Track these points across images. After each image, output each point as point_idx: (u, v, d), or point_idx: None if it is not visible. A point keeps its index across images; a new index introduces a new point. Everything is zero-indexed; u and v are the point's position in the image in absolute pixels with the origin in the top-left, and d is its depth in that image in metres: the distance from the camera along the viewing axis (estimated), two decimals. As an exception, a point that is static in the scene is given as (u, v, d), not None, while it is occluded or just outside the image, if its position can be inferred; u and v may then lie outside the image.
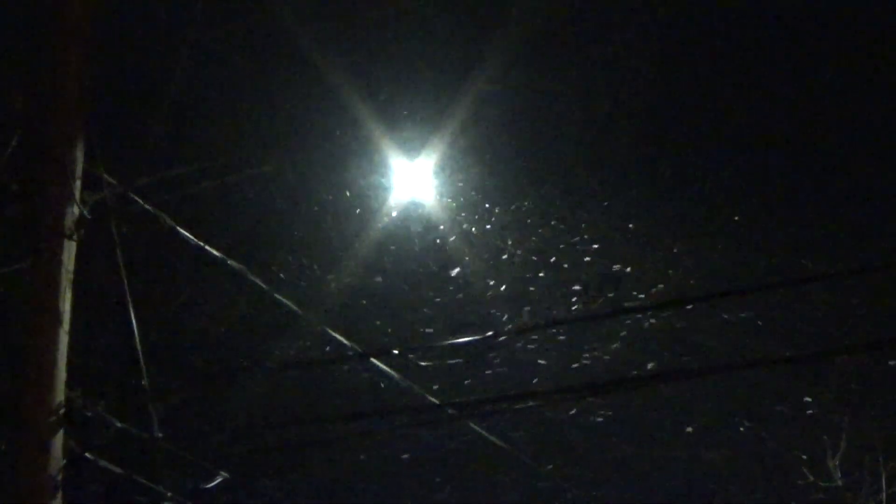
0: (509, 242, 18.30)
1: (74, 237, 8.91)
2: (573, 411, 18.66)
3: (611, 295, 18.52)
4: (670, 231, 18.68)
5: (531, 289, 18.43)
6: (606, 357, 18.62)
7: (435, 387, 16.80)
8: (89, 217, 9.00)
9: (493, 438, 17.20)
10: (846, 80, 18.33)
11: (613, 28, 17.91)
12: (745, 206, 18.73)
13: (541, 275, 18.47)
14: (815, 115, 18.29)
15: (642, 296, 18.47)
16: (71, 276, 8.88)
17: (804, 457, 18.59)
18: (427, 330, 17.90)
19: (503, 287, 18.30)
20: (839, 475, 18.13)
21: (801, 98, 18.26)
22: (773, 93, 18.36)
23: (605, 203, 18.63)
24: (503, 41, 17.17)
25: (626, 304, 18.46)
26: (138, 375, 9.46)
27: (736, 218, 18.73)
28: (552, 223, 18.44)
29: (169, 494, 10.11)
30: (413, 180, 16.71)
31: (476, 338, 18.23)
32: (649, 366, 18.47)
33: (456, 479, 19.19)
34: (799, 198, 18.79)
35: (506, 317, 18.22)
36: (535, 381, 18.32)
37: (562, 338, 18.41)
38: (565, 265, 18.50)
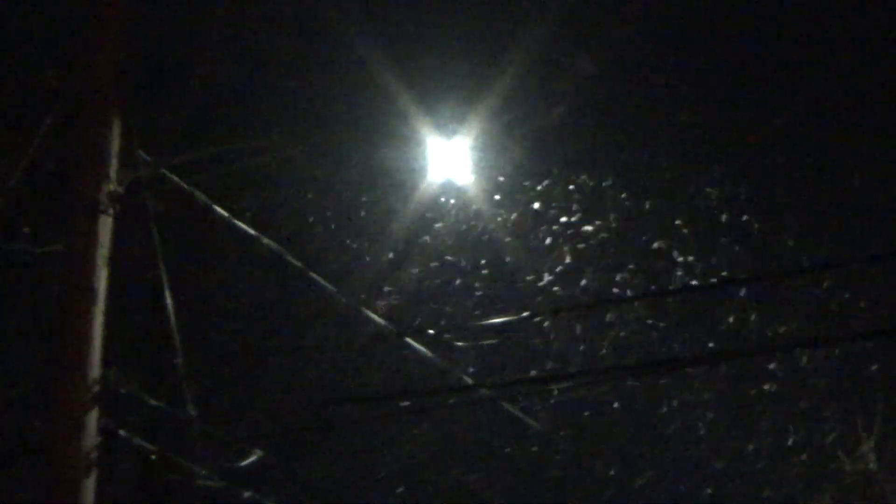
0: (546, 222, 18.25)
1: (110, 215, 8.91)
2: (610, 393, 18.62)
3: (650, 275, 18.47)
4: (713, 211, 18.61)
5: (568, 269, 18.38)
6: (644, 338, 18.58)
7: (470, 367, 16.79)
8: (125, 195, 9.00)
9: (529, 420, 17.19)
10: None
11: (656, 4, 17.82)
12: (794, 185, 18.64)
13: (578, 254, 18.42)
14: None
15: (680, 276, 18.41)
16: (106, 254, 8.89)
17: (838, 441, 18.52)
18: (463, 310, 17.87)
19: (540, 267, 18.25)
20: (873, 459, 18.06)
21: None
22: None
23: (646, 181, 18.56)
24: (542, 18, 17.10)
25: (664, 285, 18.41)
26: (173, 354, 9.48)
27: (781, 198, 18.63)
28: (590, 202, 18.39)
29: (202, 473, 10.13)
30: (449, 160, 16.63)
31: (512, 318, 18.16)
32: (687, 348, 18.41)
33: (491, 460, 19.18)
34: (847, 177, 18.68)
35: (542, 297, 18.17)
36: (571, 362, 18.27)
37: (600, 318, 18.36)
38: (603, 245, 18.44)
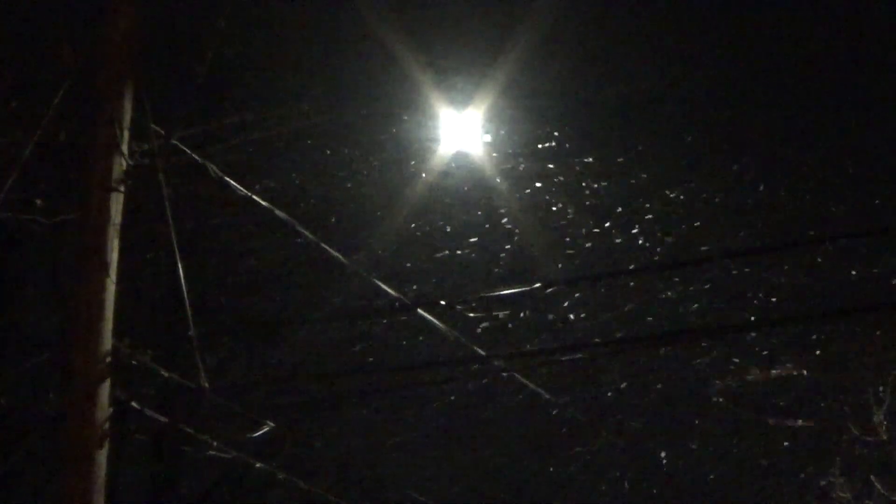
0: (557, 194, 18.26)
1: (122, 187, 8.91)
2: (620, 364, 18.66)
3: (661, 246, 18.48)
4: (733, 184, 18.62)
5: (579, 240, 18.40)
6: (655, 310, 18.61)
7: (482, 338, 16.83)
8: (137, 167, 9.00)
9: (539, 390, 17.23)
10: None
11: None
12: (809, 161, 18.63)
13: (590, 226, 18.43)
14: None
15: (692, 247, 18.42)
16: (118, 225, 8.89)
17: (850, 411, 18.56)
18: (474, 281, 17.90)
19: (551, 238, 18.27)
20: (884, 429, 18.09)
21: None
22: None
23: (658, 156, 18.56)
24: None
25: (676, 257, 18.41)
26: (185, 326, 9.49)
27: (797, 174, 18.63)
28: (602, 174, 18.39)
29: (214, 444, 10.16)
30: (461, 132, 16.63)
31: (523, 289, 18.14)
32: (697, 319, 18.44)
33: (502, 430, 19.25)
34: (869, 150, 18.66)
35: (554, 269, 18.19)
36: (582, 333, 18.30)
37: (610, 290, 18.38)
38: (615, 217, 18.46)
